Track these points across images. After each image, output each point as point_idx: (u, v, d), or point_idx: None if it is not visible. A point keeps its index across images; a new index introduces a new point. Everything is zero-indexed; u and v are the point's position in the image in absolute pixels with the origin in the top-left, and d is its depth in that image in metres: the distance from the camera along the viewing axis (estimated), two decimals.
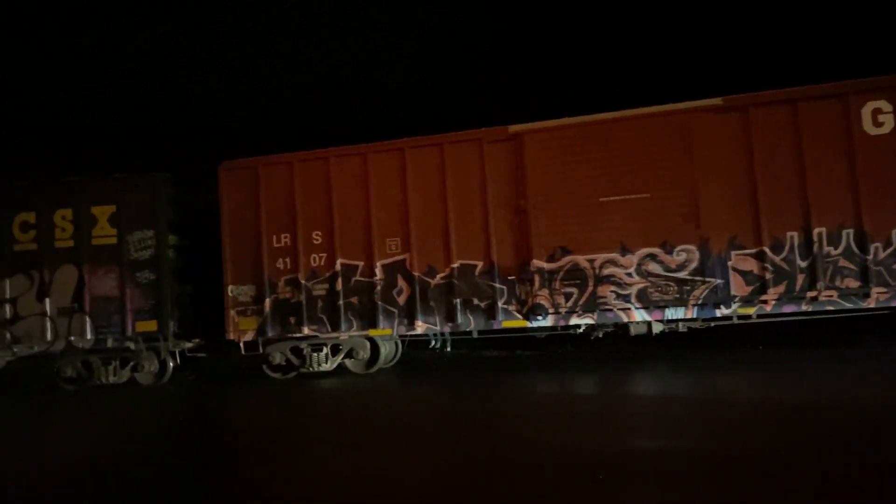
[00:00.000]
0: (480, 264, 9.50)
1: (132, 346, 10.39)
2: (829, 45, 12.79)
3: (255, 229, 10.20)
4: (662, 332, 9.46)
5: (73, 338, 10.34)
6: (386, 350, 10.49)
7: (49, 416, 8.93)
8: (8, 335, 10.37)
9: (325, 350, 10.17)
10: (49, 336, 10.35)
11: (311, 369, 10.19)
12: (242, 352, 10.27)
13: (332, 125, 12.96)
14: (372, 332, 9.87)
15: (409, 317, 9.69)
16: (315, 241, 10.05)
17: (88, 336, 10.33)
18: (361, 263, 9.89)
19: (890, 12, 12.65)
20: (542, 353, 11.75)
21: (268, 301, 10.11)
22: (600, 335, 9.63)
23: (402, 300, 9.75)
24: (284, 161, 10.22)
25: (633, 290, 8.96)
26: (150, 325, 10.30)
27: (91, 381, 10.56)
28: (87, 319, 10.33)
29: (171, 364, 10.66)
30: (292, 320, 10.07)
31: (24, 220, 10.49)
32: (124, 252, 10.36)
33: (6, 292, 10.42)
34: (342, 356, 10.22)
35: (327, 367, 10.20)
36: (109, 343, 10.33)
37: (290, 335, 10.11)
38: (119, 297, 10.33)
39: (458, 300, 9.52)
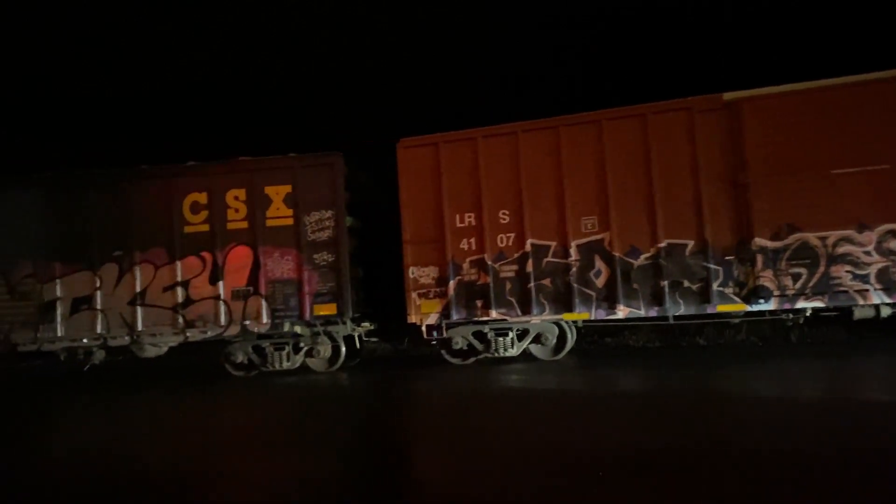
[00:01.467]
0: (691, 243, 8.86)
1: (308, 330, 10.03)
2: None
3: (436, 209, 9.74)
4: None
5: (247, 322, 10.02)
6: (573, 336, 9.93)
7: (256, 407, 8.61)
8: (180, 319, 10.10)
9: (510, 335, 9.67)
10: (223, 320, 10.05)
11: (494, 354, 9.71)
12: (424, 335, 9.83)
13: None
14: (566, 317, 9.32)
15: (609, 300, 9.12)
16: (502, 221, 9.54)
17: (264, 320, 9.99)
18: (554, 243, 9.35)
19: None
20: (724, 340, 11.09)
21: (452, 283, 9.64)
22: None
23: (600, 282, 9.18)
24: (467, 137, 9.72)
25: (873, 270, 8.23)
26: (329, 309, 9.91)
27: (262, 368, 10.25)
28: (263, 303, 10.00)
29: (344, 349, 10.27)
30: (479, 303, 9.59)
31: (194, 200, 10.20)
32: (301, 233, 9.99)
33: (177, 275, 10.14)
34: (528, 341, 9.70)
35: (512, 352, 9.70)
36: (286, 327, 9.98)
37: (476, 319, 9.63)
38: (296, 280, 9.98)
39: (665, 282, 8.90)
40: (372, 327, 10.58)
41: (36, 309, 10.18)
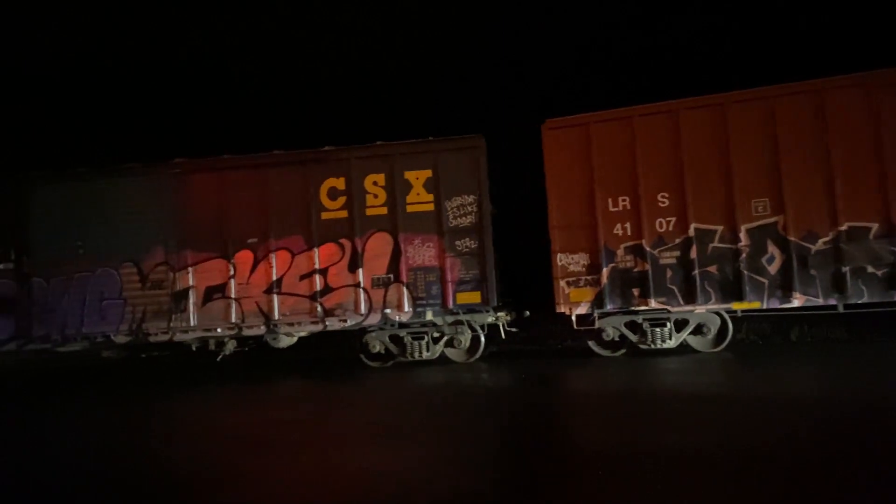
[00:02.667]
0: (875, 226, 8.28)
1: (448, 319, 9.65)
2: None
3: (586, 192, 9.29)
4: None
5: (388, 310, 9.67)
6: (731, 327, 9.39)
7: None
8: (319, 308, 9.79)
9: (668, 325, 9.17)
10: (363, 308, 9.71)
11: (650, 346, 9.21)
12: (574, 326, 9.38)
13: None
14: (735, 306, 8.79)
15: (784, 288, 8.57)
16: (661, 204, 9.05)
17: (406, 308, 9.64)
18: (720, 228, 8.83)
19: None
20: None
21: (605, 271, 9.18)
22: None
23: (773, 269, 8.64)
24: (621, 116, 9.25)
25: None
26: (473, 297, 9.52)
27: (399, 358, 9.89)
28: (405, 291, 9.64)
29: (483, 339, 9.87)
30: (636, 292, 9.11)
31: (331, 186, 9.88)
32: (442, 219, 9.61)
33: (315, 262, 9.83)
34: (688, 332, 9.19)
35: (670, 343, 9.20)
36: (429, 316, 9.61)
37: (632, 308, 9.15)
38: (438, 268, 9.61)
39: (847, 268, 8.33)
40: (510, 317, 10.14)
41: (168, 298, 9.96)
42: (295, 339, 10.35)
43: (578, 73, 12.63)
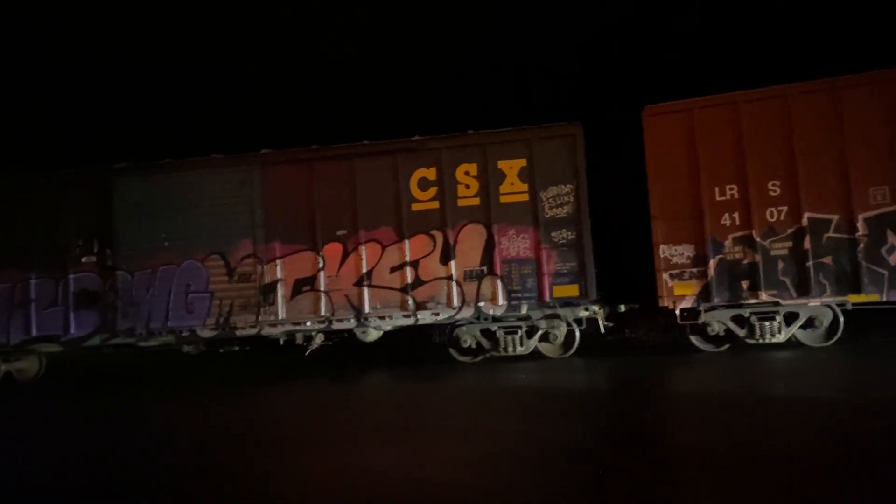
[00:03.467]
0: None
1: (542, 312, 9.38)
2: None
3: (691, 181, 8.97)
4: None
5: (482, 304, 9.42)
6: (843, 321, 9.00)
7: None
8: (410, 301, 9.56)
9: (777, 318, 8.82)
10: (455, 301, 9.47)
11: (758, 341, 8.86)
12: (678, 320, 9.06)
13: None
14: (853, 298, 8.44)
15: None
16: (772, 193, 8.71)
17: (500, 302, 9.38)
18: (836, 217, 8.48)
19: None
20: None
21: (712, 263, 8.85)
22: None
23: (894, 260, 8.27)
24: (727, 102, 8.93)
25: None
26: (571, 291, 9.25)
27: (492, 353, 9.62)
28: (499, 283, 9.39)
29: (579, 333, 9.57)
30: (745, 284, 8.78)
31: (422, 176, 9.65)
32: (538, 209, 9.34)
33: (406, 254, 9.61)
34: (798, 325, 8.82)
35: (779, 338, 8.84)
36: (524, 310, 9.35)
37: (741, 301, 8.82)
38: (534, 259, 9.34)
39: None
40: (604, 312, 9.80)
41: (256, 291, 9.79)
42: (381, 333, 10.13)
43: (673, 61, 12.27)
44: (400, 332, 10.11)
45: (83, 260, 10.13)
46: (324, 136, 10.12)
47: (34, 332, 10.21)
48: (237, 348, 10.91)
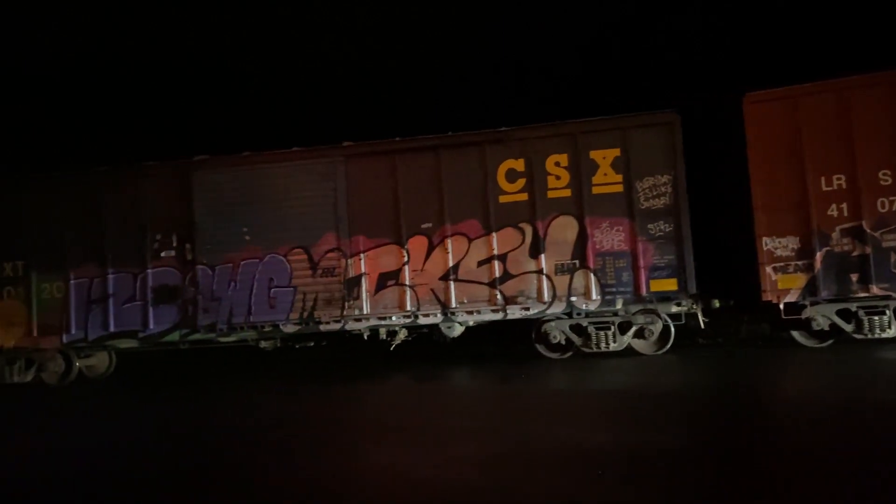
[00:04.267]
0: None
1: (637, 307, 9.10)
2: None
3: (795, 171, 8.65)
4: None
5: (574, 298, 9.17)
6: None
7: None
8: (499, 295, 9.33)
9: (888, 314, 8.47)
10: (546, 296, 9.23)
11: (866, 335, 8.52)
12: (782, 315, 8.73)
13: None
14: None
15: None
16: (883, 182, 8.37)
17: (594, 296, 9.12)
18: None
19: None
20: None
21: (819, 255, 8.53)
22: None
23: None
24: (833, 89, 8.60)
25: None
26: (669, 285, 8.97)
27: (582, 349, 9.36)
28: (592, 277, 9.13)
29: (674, 329, 9.27)
30: (854, 278, 8.44)
31: (510, 167, 9.42)
32: (633, 201, 9.07)
33: (493, 248, 9.38)
34: None
35: (890, 332, 8.48)
36: (619, 305, 9.09)
37: (850, 295, 8.48)
38: (629, 253, 9.07)
39: None
40: (698, 307, 9.49)
41: (341, 285, 9.62)
42: (463, 328, 9.90)
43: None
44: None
45: (162, 254, 10.02)
46: (324, 135, 10.05)
47: (112, 328, 10.12)
48: (312, 344, 10.75)
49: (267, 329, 9.78)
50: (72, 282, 10.18)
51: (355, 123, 12.00)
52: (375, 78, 14.89)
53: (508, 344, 10.48)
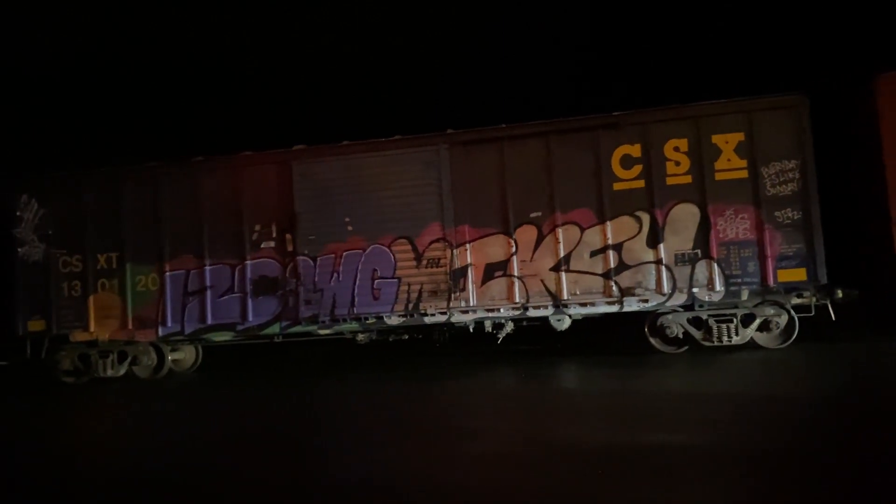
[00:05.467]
0: None
1: (761, 299, 8.67)
2: None
3: None
4: None
5: (696, 290, 8.78)
6: None
7: None
8: (614, 286, 8.97)
9: None
10: (666, 287, 8.85)
11: None
12: None
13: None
14: None
15: None
16: None
17: (717, 287, 8.72)
18: None
19: None
20: None
21: None
22: None
23: None
24: None
25: None
26: (798, 275, 8.53)
27: (702, 342, 8.93)
28: (715, 267, 8.72)
29: (798, 321, 8.80)
30: None
31: (625, 153, 9.05)
32: (759, 187, 8.64)
33: (608, 237, 9.02)
34: None
35: None
36: (744, 296, 8.67)
37: None
38: (755, 241, 8.65)
39: None
40: (819, 298, 8.98)
41: (446, 276, 9.34)
42: (571, 321, 9.53)
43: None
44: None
45: (262, 246, 9.86)
46: (324, 135, 9.86)
47: (209, 321, 9.99)
48: (406, 337, 10.48)
49: (370, 321, 9.55)
50: (167, 274, 10.08)
51: (355, 123, 11.75)
52: (375, 78, 14.72)
53: (609, 339, 10.13)
